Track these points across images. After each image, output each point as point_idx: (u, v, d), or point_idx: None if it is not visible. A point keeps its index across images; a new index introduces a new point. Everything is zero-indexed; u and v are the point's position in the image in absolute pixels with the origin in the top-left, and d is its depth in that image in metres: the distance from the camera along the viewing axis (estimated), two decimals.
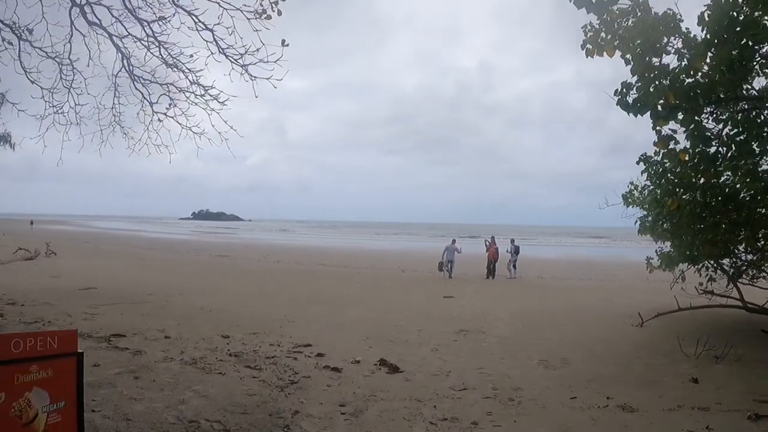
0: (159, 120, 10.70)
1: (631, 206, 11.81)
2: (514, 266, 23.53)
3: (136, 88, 10.85)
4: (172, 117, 10.58)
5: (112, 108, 10.92)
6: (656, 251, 11.61)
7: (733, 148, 8.14)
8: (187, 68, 9.34)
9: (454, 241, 23.90)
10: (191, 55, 8.63)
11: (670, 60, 7.28)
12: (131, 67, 10.50)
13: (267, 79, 7.61)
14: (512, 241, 24.48)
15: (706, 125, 8.25)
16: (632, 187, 11.86)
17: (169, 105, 10.49)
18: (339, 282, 19.72)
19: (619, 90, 7.38)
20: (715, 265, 11.40)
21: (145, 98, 11.22)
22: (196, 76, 9.26)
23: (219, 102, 8.43)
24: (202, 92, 8.99)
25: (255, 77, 7.62)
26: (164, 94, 10.31)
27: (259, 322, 10.22)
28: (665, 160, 9.09)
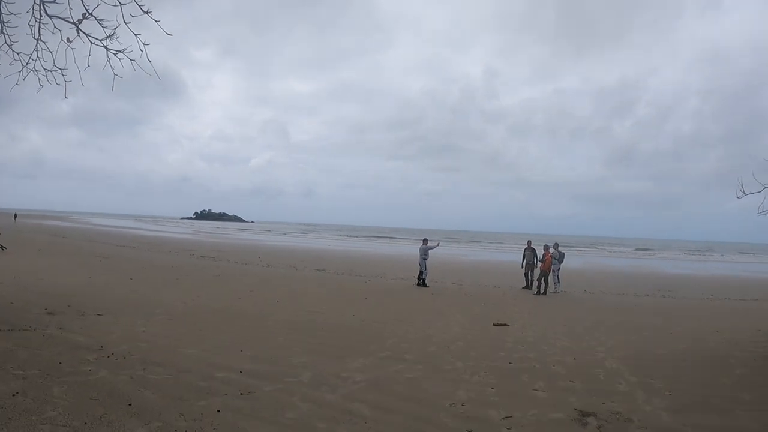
0: (59, 32, 7.00)
1: None
2: (558, 277, 18.64)
3: None
4: (70, 21, 6.85)
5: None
6: None
7: None
8: None
9: (425, 241, 19.76)
10: None
11: None
12: None
13: None
14: (556, 246, 19.51)
15: None
16: None
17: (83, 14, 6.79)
18: (340, 295, 14.67)
19: None
20: None
21: None
22: None
23: None
24: None
25: None
26: None
27: (188, 398, 5.14)
28: None
